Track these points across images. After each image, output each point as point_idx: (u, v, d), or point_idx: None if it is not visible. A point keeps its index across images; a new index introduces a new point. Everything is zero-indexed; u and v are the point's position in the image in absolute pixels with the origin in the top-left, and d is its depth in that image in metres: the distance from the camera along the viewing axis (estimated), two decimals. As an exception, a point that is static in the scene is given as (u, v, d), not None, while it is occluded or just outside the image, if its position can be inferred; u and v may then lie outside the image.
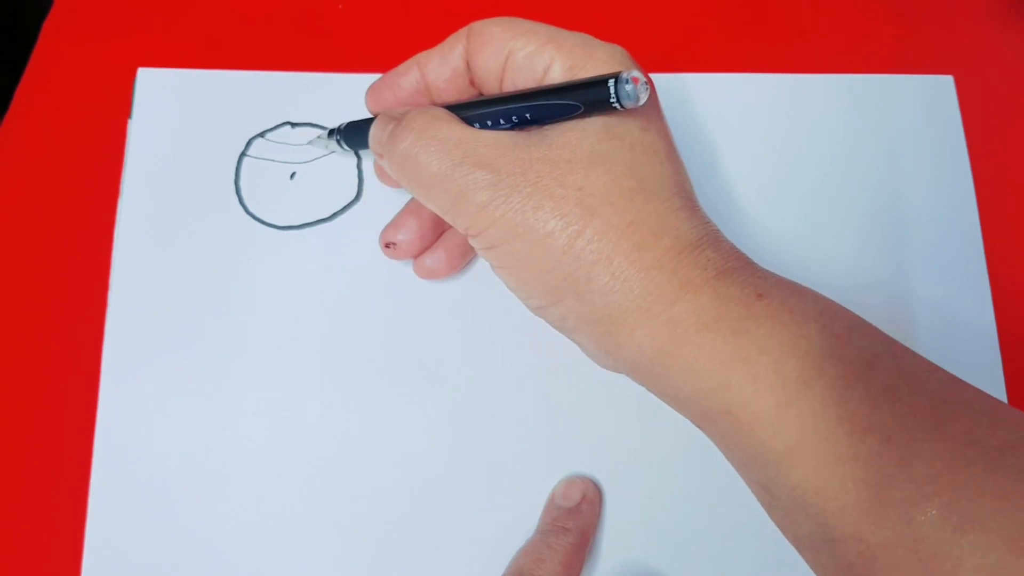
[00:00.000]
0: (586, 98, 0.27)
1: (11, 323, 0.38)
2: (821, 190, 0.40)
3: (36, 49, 0.42)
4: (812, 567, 0.27)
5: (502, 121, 0.30)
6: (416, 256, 0.37)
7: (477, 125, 0.30)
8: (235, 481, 0.35)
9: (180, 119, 0.40)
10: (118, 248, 0.38)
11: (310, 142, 0.40)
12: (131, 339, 0.37)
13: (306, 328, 0.38)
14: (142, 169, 0.39)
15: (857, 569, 0.24)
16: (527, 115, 0.29)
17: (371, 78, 0.34)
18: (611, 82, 0.26)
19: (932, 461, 0.23)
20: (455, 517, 0.35)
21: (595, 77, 0.27)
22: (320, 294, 0.38)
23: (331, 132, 0.37)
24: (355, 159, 0.40)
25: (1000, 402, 0.26)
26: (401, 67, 0.33)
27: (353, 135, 0.36)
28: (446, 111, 0.30)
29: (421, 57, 0.33)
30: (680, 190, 0.29)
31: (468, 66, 0.32)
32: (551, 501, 0.35)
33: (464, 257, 0.37)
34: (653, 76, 0.28)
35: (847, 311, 0.27)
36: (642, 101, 0.27)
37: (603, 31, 0.30)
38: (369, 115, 0.34)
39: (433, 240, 0.36)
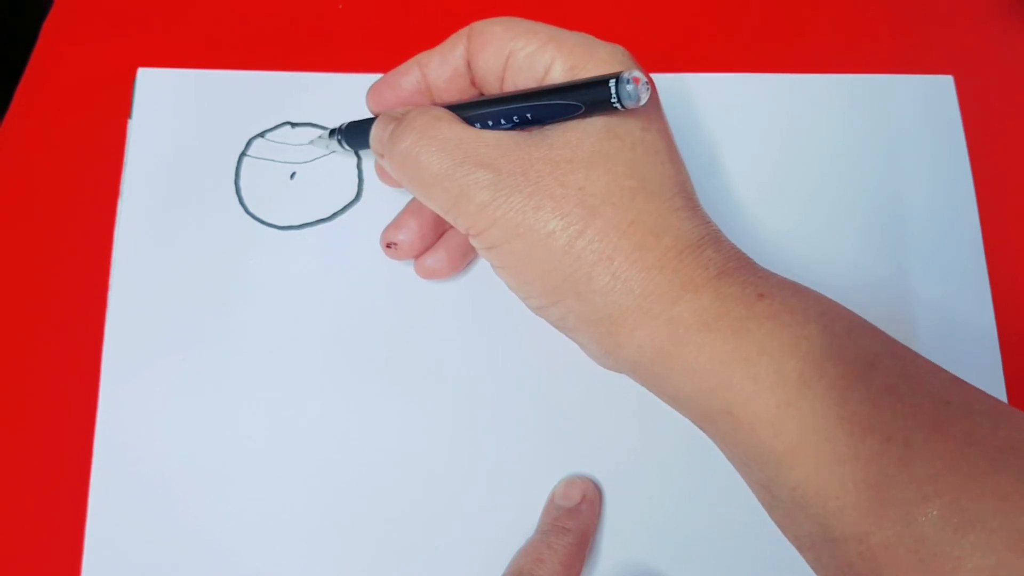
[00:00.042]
0: (587, 98, 0.27)
1: (11, 323, 0.38)
2: (821, 190, 0.40)
3: (36, 49, 0.42)
4: (812, 567, 0.27)
5: (503, 121, 0.30)
6: (417, 256, 0.37)
7: (478, 125, 0.30)
8: (235, 481, 0.35)
9: (180, 119, 0.40)
10: (118, 248, 0.38)
11: (311, 142, 0.40)
12: (131, 339, 0.37)
13: (306, 328, 0.38)
14: (142, 169, 0.39)
15: (858, 569, 0.24)
16: (528, 115, 0.29)
17: (371, 78, 0.34)
18: (612, 82, 0.26)
19: (933, 461, 0.23)
20: (455, 517, 0.35)
21: (596, 77, 0.27)
22: (320, 294, 0.38)
23: (332, 132, 0.37)
24: (355, 159, 0.40)
25: (1001, 403, 0.26)
26: (402, 67, 0.33)
27: (354, 135, 0.36)
28: (447, 111, 0.30)
29: (422, 57, 0.33)
30: (681, 190, 0.29)
31: (469, 66, 0.32)
32: (551, 501, 0.35)
33: (465, 257, 0.37)
34: (653, 76, 0.28)
35: (848, 311, 0.27)
36: (643, 101, 0.27)
37: (603, 31, 0.30)
38: (370, 115, 0.34)
39: (434, 240, 0.36)
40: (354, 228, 0.39)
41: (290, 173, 0.40)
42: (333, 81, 0.41)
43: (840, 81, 0.42)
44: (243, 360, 0.37)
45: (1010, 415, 0.25)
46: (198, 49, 0.42)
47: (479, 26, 0.31)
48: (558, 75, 0.29)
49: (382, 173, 0.37)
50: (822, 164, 0.41)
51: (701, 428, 0.29)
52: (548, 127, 0.29)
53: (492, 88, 0.32)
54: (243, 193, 0.39)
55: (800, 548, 0.27)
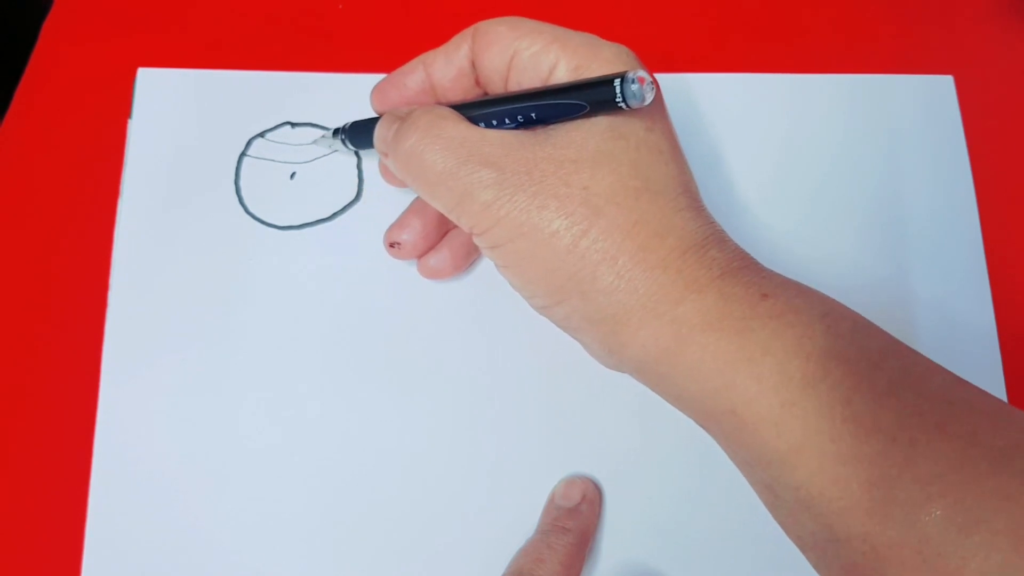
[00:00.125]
0: (592, 98, 0.27)
1: (11, 323, 0.38)
2: (821, 190, 0.40)
3: (36, 49, 0.42)
4: (816, 567, 0.27)
5: (507, 120, 0.30)
6: (420, 256, 0.37)
7: (482, 124, 0.30)
8: (235, 481, 0.35)
9: (180, 119, 0.40)
10: (118, 248, 0.38)
11: (314, 141, 0.40)
12: (131, 339, 0.37)
13: (306, 328, 0.38)
14: (142, 169, 0.39)
15: (861, 569, 0.24)
16: (532, 114, 0.29)
17: (371, 78, 0.34)
18: (617, 82, 0.26)
19: (936, 462, 0.23)
20: (455, 517, 0.35)
21: (601, 77, 0.27)
22: (320, 294, 0.38)
23: (336, 131, 0.37)
24: (355, 159, 0.40)
25: (1004, 403, 0.26)
26: (406, 66, 0.33)
27: (358, 134, 0.36)
28: (451, 110, 0.30)
29: (426, 56, 0.33)
30: (685, 190, 0.29)
31: (473, 66, 0.32)
32: (551, 501, 0.35)
33: (468, 257, 0.37)
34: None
35: (852, 312, 0.27)
36: (647, 101, 0.27)
37: (603, 31, 0.30)
38: (374, 115, 0.34)
39: (437, 240, 0.36)
40: (354, 228, 0.39)
41: (290, 173, 0.40)
42: (333, 81, 0.41)
43: (840, 81, 0.42)
44: (243, 360, 0.37)
45: (1013, 415, 0.25)
46: (198, 49, 0.42)
47: (484, 26, 0.31)
48: (562, 75, 0.29)
49: (386, 172, 0.37)
50: (822, 164, 0.41)
51: (705, 428, 0.29)
52: (552, 127, 0.29)
53: (496, 88, 0.32)
54: (243, 193, 0.39)
55: (803, 548, 0.27)
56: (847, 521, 0.24)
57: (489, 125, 0.30)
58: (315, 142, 0.40)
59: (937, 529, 0.23)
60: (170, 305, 0.38)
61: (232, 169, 0.40)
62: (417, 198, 0.36)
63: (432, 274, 0.37)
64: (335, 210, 0.39)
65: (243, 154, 0.40)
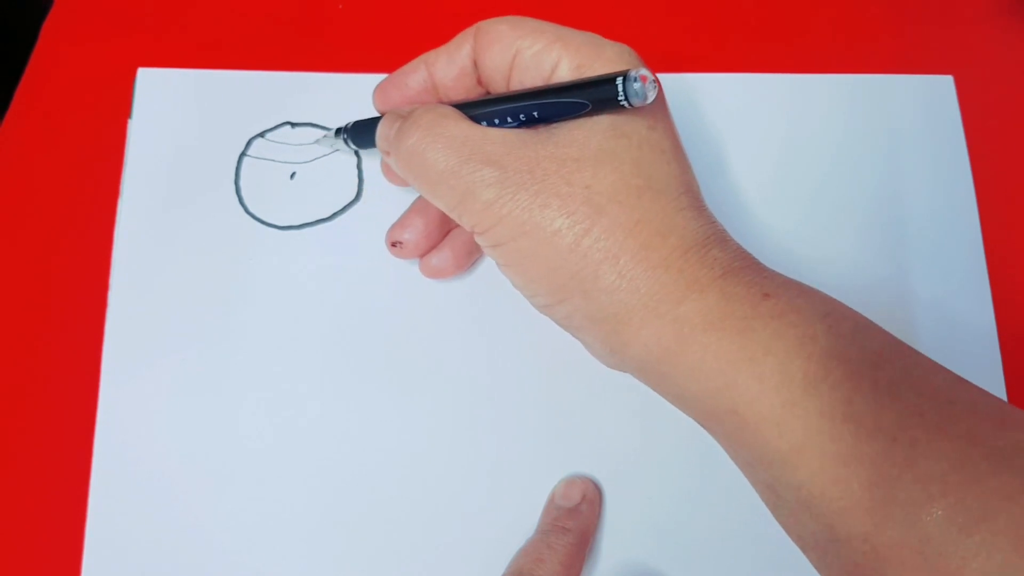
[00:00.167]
0: (594, 96, 0.27)
1: (11, 323, 0.38)
2: (821, 190, 0.40)
3: (36, 49, 0.42)
4: (817, 567, 0.27)
5: (509, 119, 0.30)
6: (422, 255, 0.37)
7: (484, 123, 0.30)
8: (235, 481, 0.35)
9: (180, 119, 0.40)
10: (118, 248, 0.38)
11: (317, 141, 0.40)
12: (131, 339, 0.37)
13: (306, 328, 0.37)
14: (142, 169, 0.39)
15: (862, 569, 0.24)
16: (534, 113, 0.29)
17: (371, 78, 0.34)
18: (619, 80, 0.26)
19: (938, 462, 0.23)
20: (455, 517, 0.35)
21: (603, 75, 0.27)
22: (320, 294, 0.38)
23: (338, 131, 0.37)
24: (355, 159, 0.40)
25: (1005, 403, 0.26)
26: (408, 66, 0.33)
27: (360, 133, 0.36)
28: (453, 109, 0.30)
29: (428, 56, 0.33)
30: (687, 189, 0.29)
31: (475, 65, 0.32)
32: (551, 501, 0.35)
33: (470, 257, 0.37)
34: (654, 76, 0.28)
35: (853, 312, 0.27)
36: (650, 99, 0.27)
37: (603, 31, 0.30)
38: (376, 114, 0.34)
39: (439, 239, 0.36)
40: (354, 228, 0.39)
41: (290, 173, 0.40)
42: (333, 81, 0.41)
43: (840, 81, 0.42)
44: (243, 360, 0.37)
45: (1014, 415, 0.25)
46: (198, 49, 0.42)
47: (486, 25, 0.31)
48: (565, 74, 0.29)
49: (388, 172, 0.37)
50: (822, 164, 0.41)
51: (706, 428, 0.29)
52: (554, 125, 0.29)
53: (498, 87, 0.32)
54: (243, 193, 0.39)
55: (804, 548, 0.27)
56: (848, 521, 0.24)
57: (491, 124, 0.30)
58: (317, 141, 0.40)
59: (938, 529, 0.23)
60: (170, 305, 0.38)
61: (232, 169, 0.40)
62: (419, 197, 0.36)
63: (434, 273, 0.37)
64: (335, 210, 0.39)
65: (243, 154, 0.40)
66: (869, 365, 0.25)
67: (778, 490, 0.26)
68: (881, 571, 0.24)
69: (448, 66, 0.32)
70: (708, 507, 0.36)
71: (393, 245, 0.36)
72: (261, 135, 0.40)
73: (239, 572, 0.34)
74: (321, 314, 0.38)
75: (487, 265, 0.38)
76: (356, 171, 0.40)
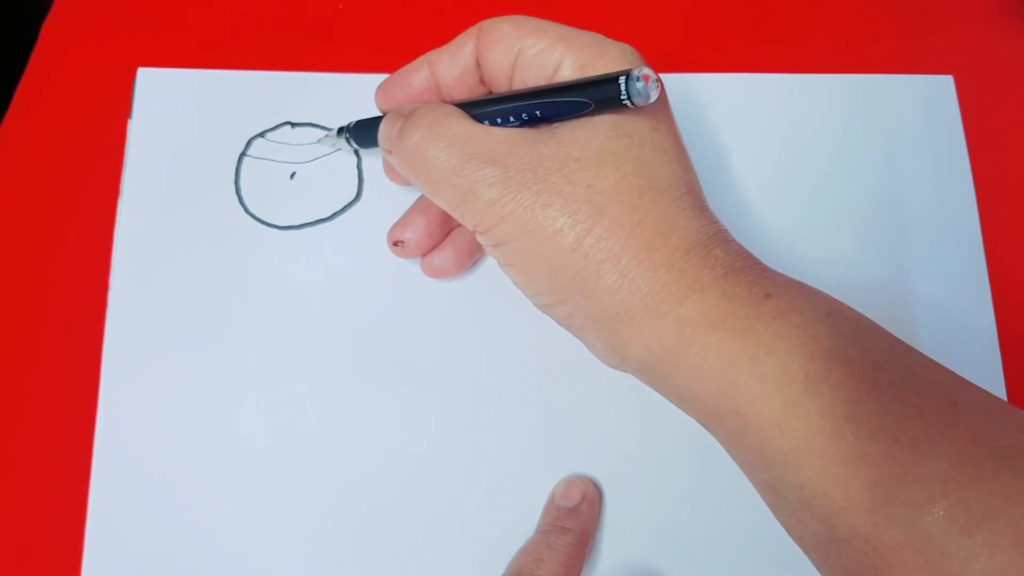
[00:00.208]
0: (597, 95, 0.27)
1: (11, 323, 0.38)
2: (821, 190, 0.40)
3: (36, 49, 0.42)
4: (818, 567, 0.27)
5: (512, 118, 0.30)
6: (424, 254, 0.37)
7: (487, 122, 0.30)
8: (235, 481, 0.35)
9: (180, 119, 0.40)
10: (118, 248, 0.38)
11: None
12: (131, 339, 0.37)
13: (306, 328, 0.37)
14: (142, 169, 0.39)
15: (864, 569, 0.24)
16: (537, 112, 0.29)
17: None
18: (622, 79, 0.26)
19: (939, 462, 0.23)
20: (455, 517, 0.35)
21: (606, 74, 0.27)
22: (320, 294, 0.38)
23: (340, 130, 0.37)
24: (355, 159, 0.40)
25: (1007, 403, 0.26)
26: (411, 65, 0.33)
27: (362, 133, 0.36)
28: (456, 108, 0.30)
29: (431, 55, 0.33)
30: (689, 190, 0.29)
31: (478, 64, 0.32)
32: (551, 501, 0.35)
33: (472, 256, 0.37)
34: (654, 76, 0.29)
35: (855, 312, 0.27)
36: (653, 99, 0.27)
37: (603, 31, 0.30)
38: (378, 113, 0.34)
39: (441, 239, 0.36)
40: (354, 228, 0.39)
41: (290, 173, 0.40)
42: (333, 81, 0.41)
43: (840, 81, 0.42)
44: (243, 360, 0.37)
45: (1016, 416, 0.25)
46: (198, 49, 0.42)
47: (488, 24, 0.31)
48: (567, 73, 0.29)
49: (390, 171, 0.37)
50: (822, 164, 0.41)
51: (707, 428, 0.29)
52: (557, 125, 0.29)
53: (501, 86, 0.32)
54: (243, 193, 0.39)
55: (806, 548, 0.27)
56: (849, 521, 0.24)
57: (493, 123, 0.30)
58: (319, 141, 0.40)
59: (940, 529, 0.23)
60: (170, 305, 0.37)
61: (232, 169, 0.40)
62: (421, 196, 0.36)
63: (436, 273, 0.37)
64: (335, 210, 0.39)
65: (243, 154, 0.40)
66: (871, 365, 0.25)
67: (779, 490, 0.26)
68: (882, 571, 0.24)
69: (451, 65, 0.32)
70: (708, 507, 0.36)
71: (395, 244, 0.36)
72: (261, 135, 0.40)
73: (239, 572, 0.34)
74: (321, 314, 0.38)
75: (488, 265, 0.38)
76: (356, 171, 0.40)
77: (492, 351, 0.37)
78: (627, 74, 0.26)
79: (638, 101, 0.26)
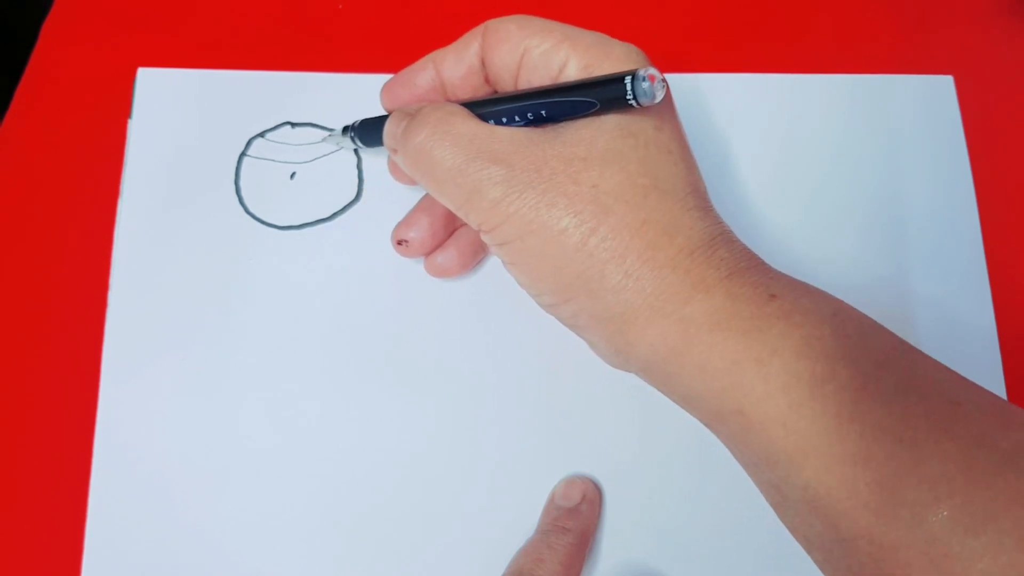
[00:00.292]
0: (602, 95, 0.27)
1: (11, 323, 0.38)
2: (821, 190, 0.40)
3: (36, 49, 0.42)
4: (821, 567, 0.27)
5: (517, 118, 0.30)
6: (428, 254, 0.37)
7: (492, 122, 0.30)
8: (235, 481, 0.35)
9: (180, 119, 0.40)
10: (118, 248, 0.38)
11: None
12: (131, 339, 0.37)
13: (306, 328, 0.37)
14: (142, 169, 0.39)
15: (868, 570, 0.24)
16: (542, 112, 0.29)
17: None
18: (628, 79, 0.26)
19: (943, 462, 0.23)
20: (455, 517, 0.35)
21: (612, 74, 0.27)
22: (320, 294, 0.38)
23: (345, 129, 0.37)
24: (355, 159, 0.40)
25: (1010, 404, 0.26)
26: (416, 64, 0.33)
27: (367, 132, 0.36)
28: (461, 107, 0.30)
29: (436, 54, 0.33)
30: (693, 190, 0.29)
31: (483, 64, 0.32)
32: (551, 501, 0.35)
33: (475, 256, 0.37)
34: (656, 76, 0.29)
35: (859, 312, 0.27)
36: (658, 99, 0.27)
37: (603, 31, 0.30)
38: (383, 112, 0.34)
39: (445, 238, 0.36)
40: (354, 228, 0.39)
41: (290, 173, 0.40)
42: (333, 81, 0.41)
43: (840, 81, 0.42)
44: (243, 360, 0.37)
45: (1018, 416, 0.25)
46: (198, 49, 0.42)
47: (494, 24, 0.31)
48: (573, 73, 0.29)
49: (395, 170, 0.37)
50: (822, 164, 0.41)
51: (711, 428, 0.28)
52: (562, 125, 0.29)
53: (506, 86, 0.32)
54: (243, 193, 0.39)
55: (809, 548, 0.27)
56: (854, 521, 0.24)
57: (499, 122, 0.30)
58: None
59: (944, 530, 0.23)
60: (170, 305, 0.37)
61: (232, 169, 0.40)
62: (425, 195, 0.36)
63: (439, 272, 0.37)
64: (335, 210, 0.39)
65: (243, 154, 0.40)
66: (875, 366, 0.25)
67: (784, 490, 0.26)
68: (886, 571, 0.24)
69: (456, 65, 0.32)
70: (708, 507, 0.36)
71: (399, 243, 0.36)
72: (261, 135, 0.40)
73: (239, 572, 0.34)
74: (321, 314, 0.38)
75: (488, 265, 0.38)
76: (356, 171, 0.40)
77: (491, 351, 0.37)
78: (633, 74, 0.26)
79: (644, 101, 0.26)
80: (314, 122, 0.41)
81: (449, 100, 0.33)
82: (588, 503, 0.35)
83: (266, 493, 0.35)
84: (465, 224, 0.34)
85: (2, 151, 0.40)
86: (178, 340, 0.37)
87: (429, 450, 0.36)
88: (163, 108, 0.41)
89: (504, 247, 0.29)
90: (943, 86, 0.42)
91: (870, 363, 0.25)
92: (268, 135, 0.40)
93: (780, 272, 0.28)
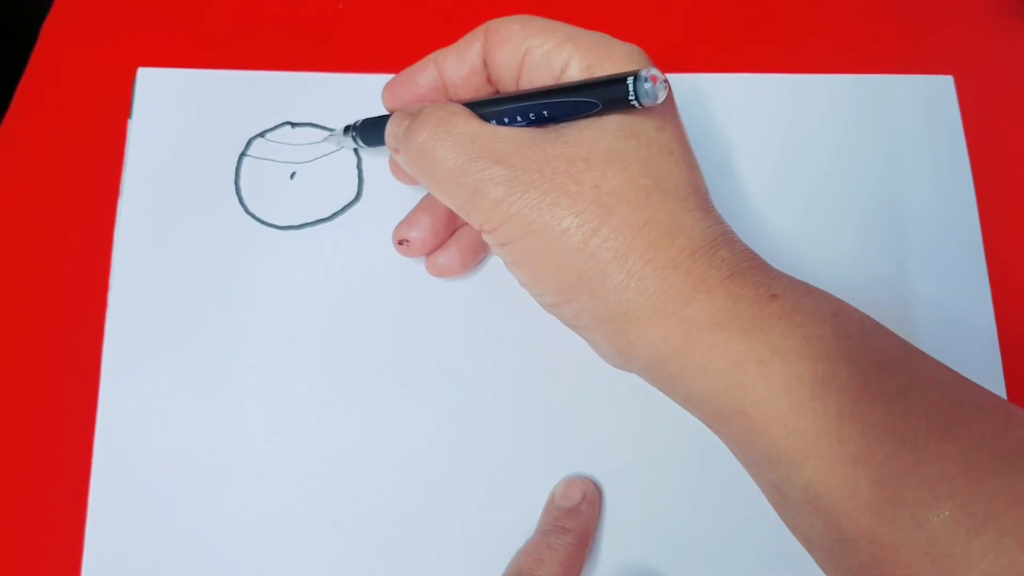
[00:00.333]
0: (605, 95, 0.27)
1: (11, 323, 0.38)
2: (821, 190, 0.40)
3: (36, 49, 0.42)
4: (822, 567, 0.27)
5: (519, 118, 0.30)
6: (429, 253, 0.37)
7: (494, 122, 0.30)
8: (235, 481, 0.35)
9: (180, 119, 0.40)
10: (118, 248, 0.38)
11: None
12: (131, 339, 0.37)
13: (306, 328, 0.37)
14: (142, 169, 0.39)
15: (869, 569, 0.24)
16: (544, 112, 0.29)
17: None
18: (630, 80, 0.26)
19: (944, 463, 0.23)
20: (455, 517, 0.35)
21: (614, 75, 0.27)
22: (320, 294, 0.38)
23: (347, 128, 0.37)
24: (355, 159, 0.40)
25: (1011, 404, 0.26)
26: (418, 64, 0.33)
27: (369, 131, 0.36)
28: (463, 107, 0.30)
29: (438, 54, 0.33)
30: (695, 190, 0.29)
31: (485, 64, 0.32)
32: (551, 501, 0.35)
33: (476, 255, 0.37)
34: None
35: (860, 313, 0.27)
36: (660, 99, 0.27)
37: (603, 31, 0.30)
38: (384, 112, 0.34)
39: (446, 238, 0.36)
40: (354, 228, 0.39)
41: (290, 173, 0.40)
42: (333, 81, 0.41)
43: (840, 81, 0.42)
44: (243, 360, 0.37)
45: (1019, 416, 0.25)
46: (198, 49, 0.42)
47: (496, 24, 0.31)
48: (575, 73, 0.29)
49: (397, 170, 0.37)
50: (822, 164, 0.41)
51: (712, 428, 0.28)
52: (563, 125, 0.29)
53: (508, 86, 0.32)
54: (243, 193, 0.39)
55: (810, 548, 0.27)
56: (855, 521, 0.24)
57: (500, 122, 0.30)
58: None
59: (945, 530, 0.23)
60: (170, 305, 0.37)
61: (232, 169, 0.40)
62: (426, 195, 0.36)
63: (440, 272, 0.37)
64: (335, 210, 0.39)
65: (243, 154, 0.40)
66: (876, 366, 0.25)
67: (785, 490, 0.26)
68: (887, 571, 0.24)
69: (458, 65, 0.32)
70: (708, 507, 0.36)
71: (400, 243, 0.36)
72: (261, 135, 0.40)
73: (239, 572, 0.34)
74: (321, 314, 0.38)
75: (491, 265, 0.38)
76: (356, 171, 0.40)
77: (492, 351, 0.37)
78: (635, 75, 0.26)
79: (646, 102, 0.26)
80: (314, 122, 0.41)
81: (451, 100, 0.33)
82: (588, 503, 0.35)
83: (266, 493, 0.35)
84: (466, 224, 0.34)
85: (2, 151, 0.40)
86: (178, 340, 0.37)
87: (429, 450, 0.36)
88: (163, 108, 0.40)
89: (506, 247, 0.29)
90: (943, 86, 0.42)
91: (871, 363, 0.25)
92: (268, 135, 0.40)
93: (781, 272, 0.28)
